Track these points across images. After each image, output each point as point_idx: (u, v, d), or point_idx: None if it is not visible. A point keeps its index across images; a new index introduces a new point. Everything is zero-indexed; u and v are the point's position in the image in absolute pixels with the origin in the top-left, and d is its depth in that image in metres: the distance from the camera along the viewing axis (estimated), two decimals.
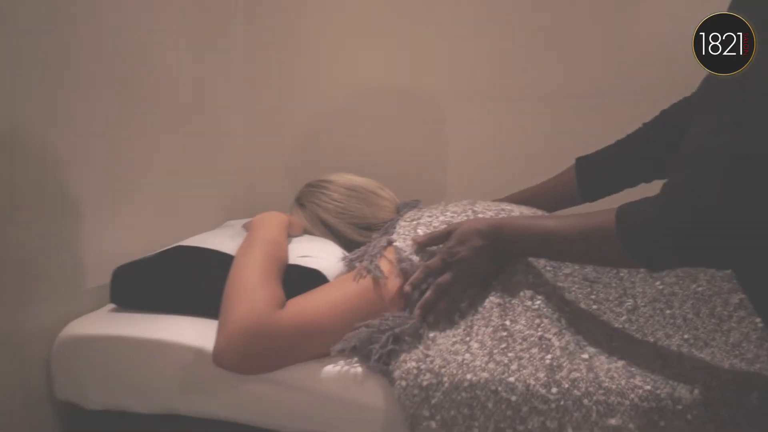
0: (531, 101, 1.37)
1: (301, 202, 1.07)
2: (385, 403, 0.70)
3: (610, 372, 0.66)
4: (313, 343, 0.72)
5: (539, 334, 0.71)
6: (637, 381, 0.64)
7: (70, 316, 0.85)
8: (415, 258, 0.81)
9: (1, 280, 0.74)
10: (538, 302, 0.76)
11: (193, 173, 1.23)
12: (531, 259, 0.83)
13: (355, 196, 1.05)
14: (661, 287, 0.84)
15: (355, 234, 1.00)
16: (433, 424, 0.66)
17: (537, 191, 1.07)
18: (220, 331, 0.71)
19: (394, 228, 0.90)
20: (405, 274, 0.79)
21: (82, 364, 0.80)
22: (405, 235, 0.85)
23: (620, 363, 0.68)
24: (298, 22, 1.45)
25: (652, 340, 0.74)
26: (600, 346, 0.72)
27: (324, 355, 0.73)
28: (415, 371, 0.67)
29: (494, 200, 1.04)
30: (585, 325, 0.75)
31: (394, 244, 0.84)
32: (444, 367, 0.67)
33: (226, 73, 1.40)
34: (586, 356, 0.69)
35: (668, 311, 0.79)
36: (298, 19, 1.45)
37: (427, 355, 0.69)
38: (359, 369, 0.71)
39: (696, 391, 0.62)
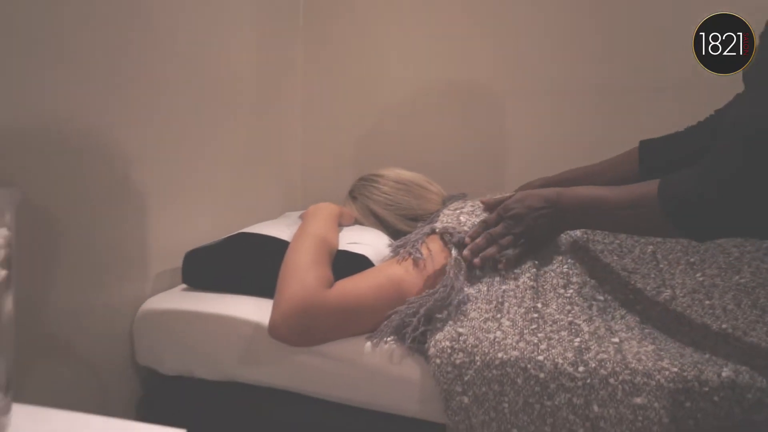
0: (588, 94, 1.37)
1: (353, 194, 1.15)
2: (422, 379, 0.75)
3: (639, 355, 0.68)
4: (357, 321, 0.79)
5: (569, 319, 0.75)
6: (665, 363, 0.66)
7: (149, 294, 0.97)
8: (461, 235, 0.86)
9: (93, 264, 0.86)
10: (571, 291, 0.79)
11: (255, 169, 1.34)
12: (568, 250, 0.86)
13: (404, 189, 1.11)
14: (701, 279, 0.84)
15: (403, 224, 1.06)
16: (466, 399, 0.71)
17: (596, 169, 1.08)
18: (275, 307, 0.79)
19: (438, 217, 0.96)
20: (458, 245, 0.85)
21: (158, 334, 0.91)
22: (448, 223, 0.91)
23: (650, 348, 0.70)
24: (351, 26, 1.53)
25: (687, 329, 0.76)
26: (631, 332, 0.74)
27: (368, 332, 0.79)
28: (448, 350, 0.72)
29: (551, 176, 1.07)
30: (618, 313, 0.78)
31: (441, 218, 0.91)
32: (476, 346, 0.72)
33: (287, 76, 1.50)
34: (616, 340, 0.72)
35: (707, 302, 0.80)
36: (351, 23, 1.53)
37: (460, 334, 0.74)
38: (400, 345, 0.77)
39: (724, 375, 0.64)
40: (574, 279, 0.81)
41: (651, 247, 0.91)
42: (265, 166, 1.40)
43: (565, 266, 0.83)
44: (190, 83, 1.07)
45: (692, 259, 0.88)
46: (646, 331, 0.74)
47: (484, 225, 0.86)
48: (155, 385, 0.94)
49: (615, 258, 0.89)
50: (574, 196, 0.80)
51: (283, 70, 1.48)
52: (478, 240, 0.83)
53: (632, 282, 0.84)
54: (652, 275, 0.86)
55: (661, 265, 0.88)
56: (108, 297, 0.90)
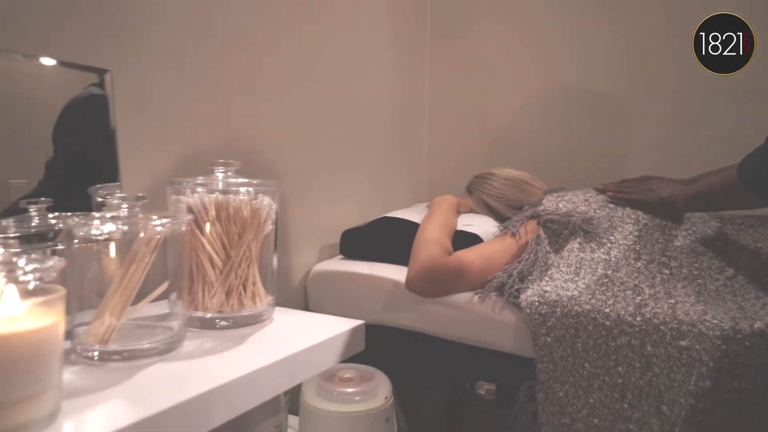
0: (714, 97, 1.38)
1: (469, 189, 1.42)
2: (516, 323, 1.01)
3: (688, 312, 0.88)
4: (469, 280, 1.07)
5: (635, 283, 0.96)
6: (708, 317, 0.85)
7: (317, 261, 1.33)
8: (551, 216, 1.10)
9: (286, 242, 1.24)
10: (640, 264, 0.99)
11: (391, 170, 1.67)
12: (643, 233, 1.05)
13: (511, 185, 1.36)
14: (766, 261, 0.99)
15: (509, 213, 1.32)
16: (549, 339, 0.95)
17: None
18: (410, 269, 1.09)
19: (541, 204, 1.19)
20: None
21: (324, 289, 1.26)
22: (547, 207, 1.15)
23: (700, 308, 0.89)
24: (471, 43, 1.79)
25: (740, 299, 0.93)
26: (688, 298, 0.93)
27: (478, 288, 1.07)
28: (536, 303, 0.97)
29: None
30: (680, 284, 0.97)
31: (543, 203, 1.15)
32: (557, 301, 0.96)
33: (416, 91, 1.81)
34: (672, 301, 0.91)
35: (766, 279, 0.95)
36: (471, 40, 1.80)
37: (545, 291, 0.98)
38: (500, 299, 1.04)
39: (756, 326, 0.82)
40: (644, 256, 1.01)
41: (724, 234, 1.07)
42: (399, 169, 1.73)
43: (638, 245, 1.03)
44: (344, 105, 1.43)
45: (761, 245, 1.03)
46: (701, 298, 0.93)
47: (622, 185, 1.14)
48: None
49: (688, 242, 1.06)
50: (684, 197, 1.04)
51: (413, 86, 1.79)
52: (613, 189, 1.13)
53: (699, 261, 1.02)
54: (720, 257, 1.02)
55: (731, 250, 1.04)
56: (292, 262, 1.27)
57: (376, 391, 0.90)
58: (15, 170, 0.70)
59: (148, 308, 0.59)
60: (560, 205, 1.15)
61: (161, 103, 0.92)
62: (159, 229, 0.58)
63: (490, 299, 1.04)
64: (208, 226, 0.68)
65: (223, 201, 0.68)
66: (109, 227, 0.56)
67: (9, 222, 0.61)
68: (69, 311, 0.52)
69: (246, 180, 0.71)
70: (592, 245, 1.05)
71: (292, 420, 0.99)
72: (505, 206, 1.34)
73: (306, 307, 1.30)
